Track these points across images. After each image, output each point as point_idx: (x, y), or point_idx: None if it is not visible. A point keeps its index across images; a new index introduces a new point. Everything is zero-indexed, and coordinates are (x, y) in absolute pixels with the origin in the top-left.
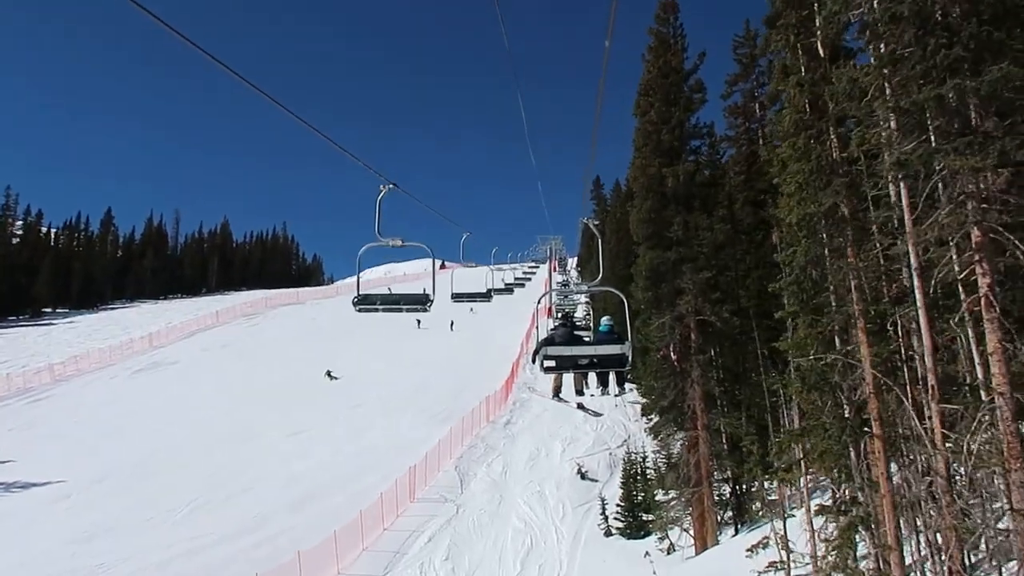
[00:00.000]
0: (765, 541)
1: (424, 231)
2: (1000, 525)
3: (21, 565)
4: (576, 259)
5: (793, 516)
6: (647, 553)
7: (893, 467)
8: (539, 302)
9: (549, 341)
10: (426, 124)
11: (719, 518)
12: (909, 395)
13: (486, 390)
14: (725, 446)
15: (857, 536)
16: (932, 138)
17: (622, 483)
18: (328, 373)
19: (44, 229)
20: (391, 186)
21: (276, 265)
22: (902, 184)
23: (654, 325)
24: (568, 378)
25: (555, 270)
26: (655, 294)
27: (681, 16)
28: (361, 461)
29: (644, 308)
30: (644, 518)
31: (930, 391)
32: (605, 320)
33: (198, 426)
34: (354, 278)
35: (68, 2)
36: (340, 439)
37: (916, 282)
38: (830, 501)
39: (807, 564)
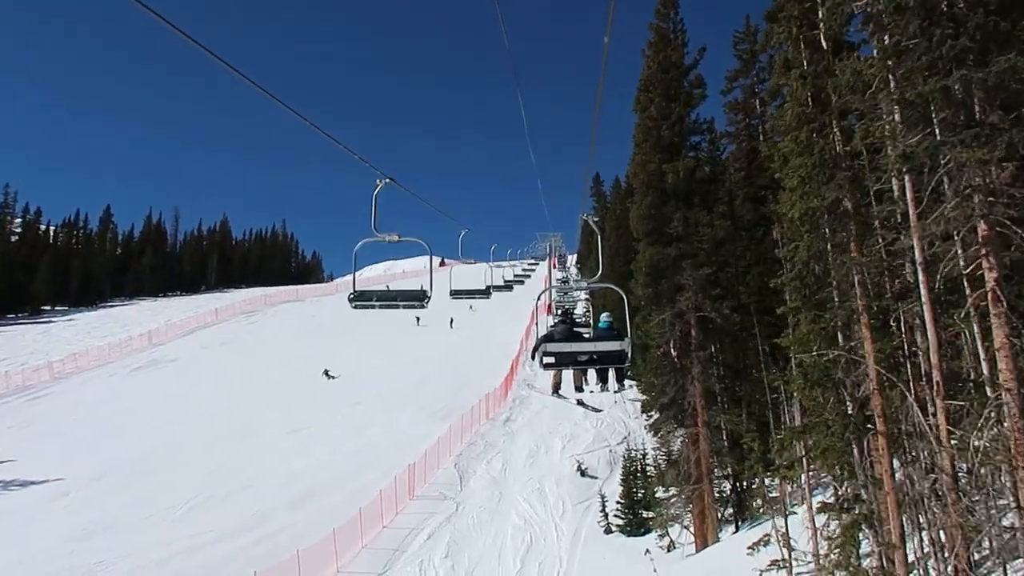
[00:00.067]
0: (766, 538)
1: (423, 229)
2: (1004, 522)
3: (20, 563)
4: (576, 256)
5: (795, 513)
6: (647, 550)
7: (895, 464)
8: (539, 299)
9: (549, 338)
10: (426, 124)
11: (719, 515)
12: (912, 392)
13: (486, 387)
14: (725, 443)
15: (860, 534)
16: (937, 131)
17: (622, 480)
18: (326, 372)
19: (43, 227)
20: (388, 180)
21: (275, 262)
22: (906, 178)
23: (654, 321)
24: (568, 375)
25: (555, 267)
26: (655, 290)
27: (681, 12)
28: (360, 459)
29: (644, 304)
30: (644, 515)
31: (935, 387)
32: (604, 317)
33: (197, 424)
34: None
35: (68, 2)
36: (340, 437)
37: (921, 277)
38: (832, 498)
39: (809, 562)
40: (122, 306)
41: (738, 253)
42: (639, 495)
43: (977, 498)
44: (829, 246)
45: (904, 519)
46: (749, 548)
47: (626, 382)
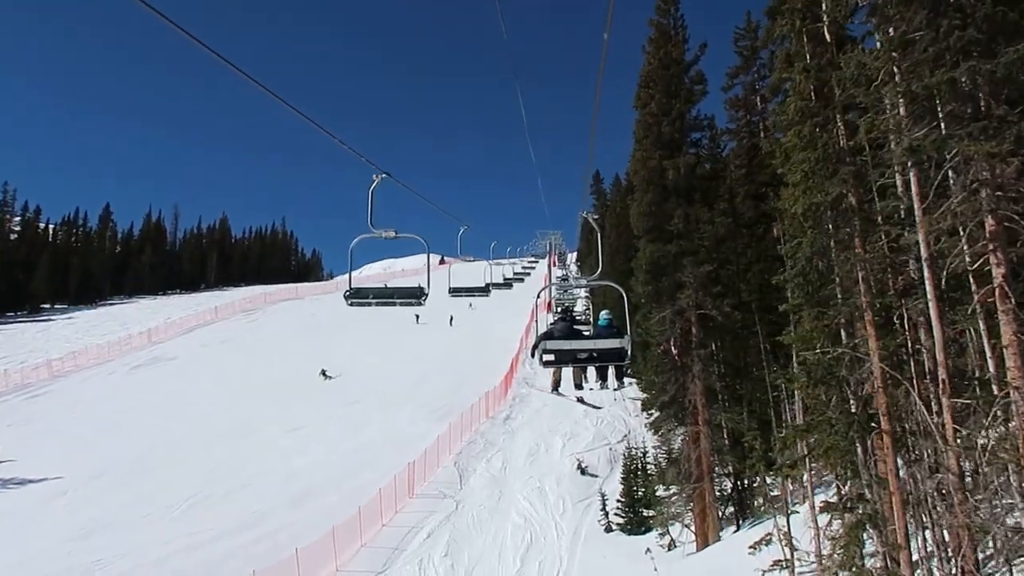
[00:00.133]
0: (768, 538)
1: (422, 227)
2: (1009, 521)
3: (19, 564)
4: (576, 254)
5: (796, 512)
6: (648, 549)
7: (899, 463)
8: (538, 296)
9: (548, 335)
10: (424, 123)
11: (720, 514)
12: (916, 390)
13: (485, 385)
14: (726, 441)
15: (864, 534)
16: (943, 125)
17: (622, 479)
18: (323, 372)
19: (42, 225)
20: (384, 176)
21: (275, 261)
22: (911, 173)
23: (655, 319)
24: (567, 372)
25: (555, 265)
26: (655, 288)
27: (682, 8)
28: (360, 457)
29: (644, 302)
30: (645, 514)
31: (940, 385)
32: (604, 314)
33: (197, 422)
34: (353, 272)
35: (68, 2)
36: (339, 435)
37: (926, 273)
38: (834, 497)
39: (812, 562)
40: (121, 304)
41: (739, 250)
42: (639, 493)
43: (980, 497)
44: (832, 242)
45: (908, 518)
46: (751, 547)
47: (626, 380)
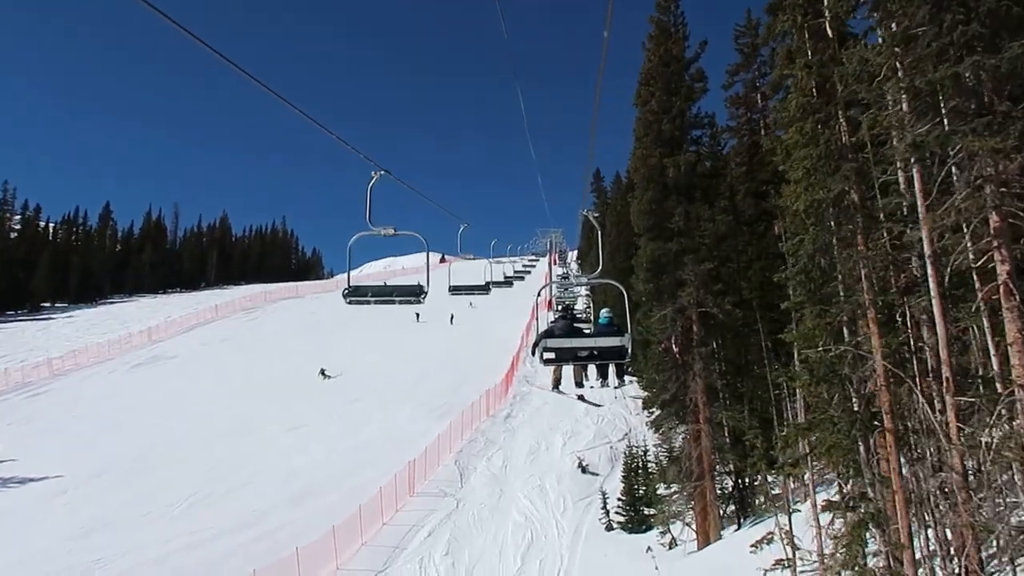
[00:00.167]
0: (769, 536)
1: (422, 225)
2: (1013, 520)
3: (20, 563)
4: (576, 252)
5: (798, 511)
6: (649, 548)
7: (900, 461)
8: (539, 294)
9: (549, 333)
10: (426, 124)
11: (721, 512)
12: (918, 388)
13: (486, 384)
14: (727, 439)
15: (867, 533)
16: (945, 121)
17: (623, 477)
18: (322, 372)
19: (42, 223)
20: (383, 172)
21: (275, 259)
22: (915, 169)
23: (655, 317)
24: (568, 370)
25: (555, 263)
26: (656, 286)
27: (682, 5)
28: (360, 455)
29: (645, 300)
30: (645, 512)
31: (944, 383)
32: (604, 312)
33: (197, 420)
34: (354, 271)
35: (68, 2)
36: (339, 433)
37: (930, 270)
38: (836, 496)
39: (814, 561)
40: (122, 303)
41: (740, 248)
42: (640, 492)
43: (983, 495)
44: (834, 239)
45: (910, 517)
46: (752, 546)
47: (626, 378)
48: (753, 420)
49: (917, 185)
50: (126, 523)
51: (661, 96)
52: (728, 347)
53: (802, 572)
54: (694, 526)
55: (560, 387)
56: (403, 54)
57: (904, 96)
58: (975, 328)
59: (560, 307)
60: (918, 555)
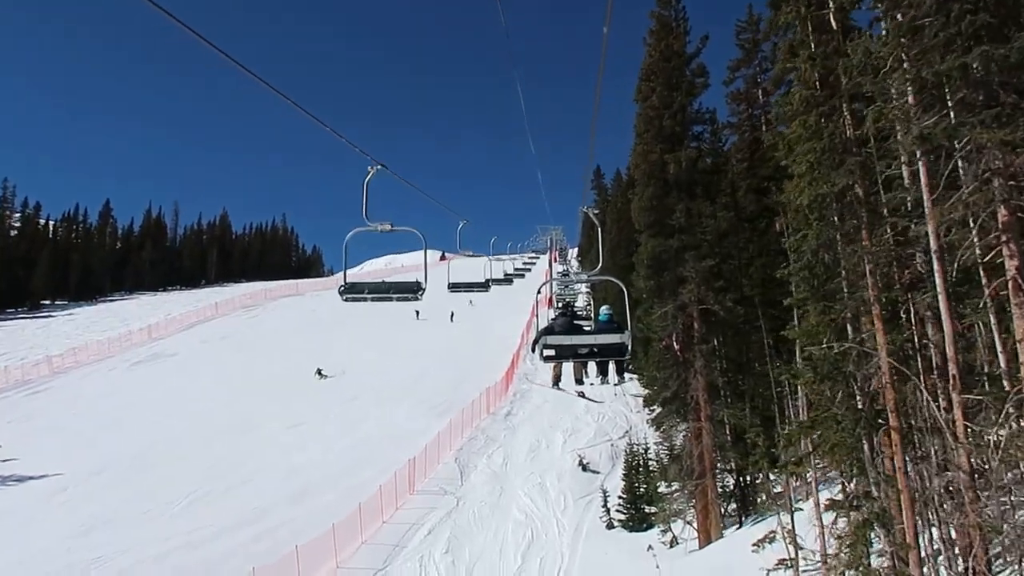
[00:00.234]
0: (771, 535)
1: (422, 223)
2: (1020, 520)
3: (20, 562)
4: (577, 249)
5: (800, 510)
6: (650, 546)
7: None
8: (539, 292)
9: (549, 330)
10: (426, 123)
11: (722, 510)
12: (923, 385)
13: (486, 381)
14: (729, 437)
15: (871, 533)
16: (952, 114)
17: (624, 475)
18: (318, 371)
19: (42, 221)
20: (379, 167)
21: (276, 257)
22: (920, 162)
23: (656, 314)
24: (568, 367)
25: (555, 260)
26: (657, 283)
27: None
28: (360, 453)
29: (646, 297)
30: (646, 510)
31: (951, 381)
32: (604, 309)
33: (197, 418)
34: (354, 269)
35: (69, 1)
36: (339, 431)
37: (936, 266)
38: (839, 495)
39: (817, 561)
40: (122, 300)
41: (741, 245)
42: (641, 490)
43: (987, 494)
44: (838, 235)
45: (915, 517)
46: (754, 545)
47: (627, 376)
48: (755, 418)
49: (923, 179)
50: (126, 521)
51: (662, 91)
52: (729, 344)
53: (805, 572)
54: (695, 524)
55: (560, 384)
56: (403, 53)
57: (910, 88)
58: (980, 325)
59: (560, 304)
60: (922, 554)
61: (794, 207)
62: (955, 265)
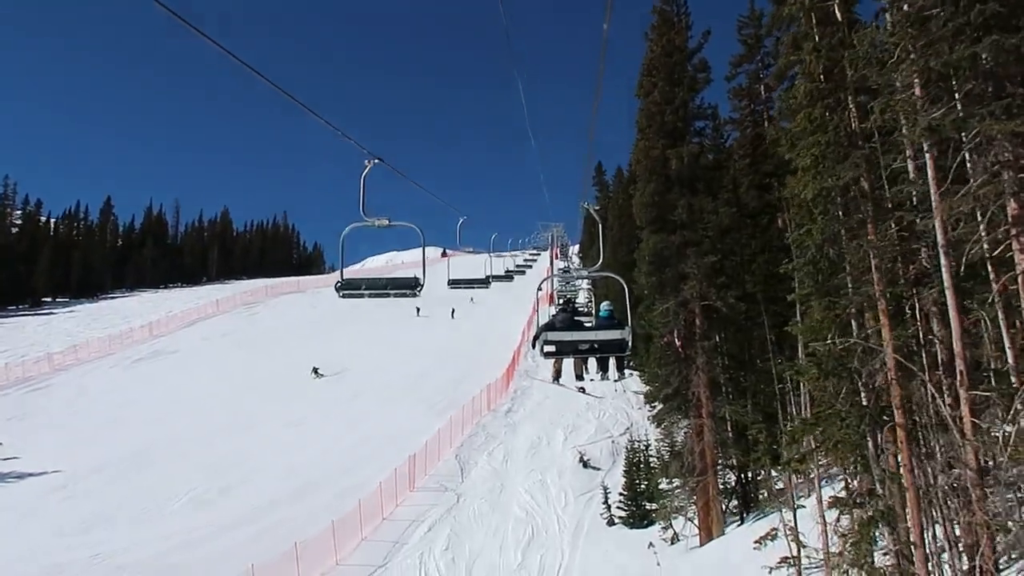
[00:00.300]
0: (773, 533)
1: (423, 220)
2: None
3: (19, 559)
4: (578, 246)
5: (803, 507)
6: (651, 543)
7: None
8: (540, 288)
9: (549, 326)
10: (426, 121)
11: (724, 507)
12: (928, 382)
13: (487, 378)
14: (730, 434)
15: (876, 531)
16: (959, 106)
17: (625, 471)
18: (315, 370)
19: (43, 218)
20: (376, 161)
21: (277, 254)
22: (928, 155)
23: (658, 311)
24: (568, 363)
25: (556, 257)
26: (659, 279)
27: None
28: (360, 451)
29: (648, 293)
30: (647, 507)
31: (958, 377)
32: (605, 305)
33: (197, 415)
34: (355, 266)
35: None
36: (339, 429)
37: (943, 260)
38: (842, 492)
39: (820, 559)
40: (123, 298)
41: (743, 241)
42: (642, 487)
43: (993, 490)
44: (843, 230)
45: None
46: (756, 542)
47: (628, 372)
48: (756, 414)
49: (930, 172)
50: (125, 519)
51: (664, 87)
52: (731, 341)
53: (807, 570)
54: (696, 521)
55: (560, 380)
56: (402, 50)
57: (917, 80)
58: (987, 320)
59: (562, 300)
60: (927, 551)
61: (797, 202)
62: (963, 259)
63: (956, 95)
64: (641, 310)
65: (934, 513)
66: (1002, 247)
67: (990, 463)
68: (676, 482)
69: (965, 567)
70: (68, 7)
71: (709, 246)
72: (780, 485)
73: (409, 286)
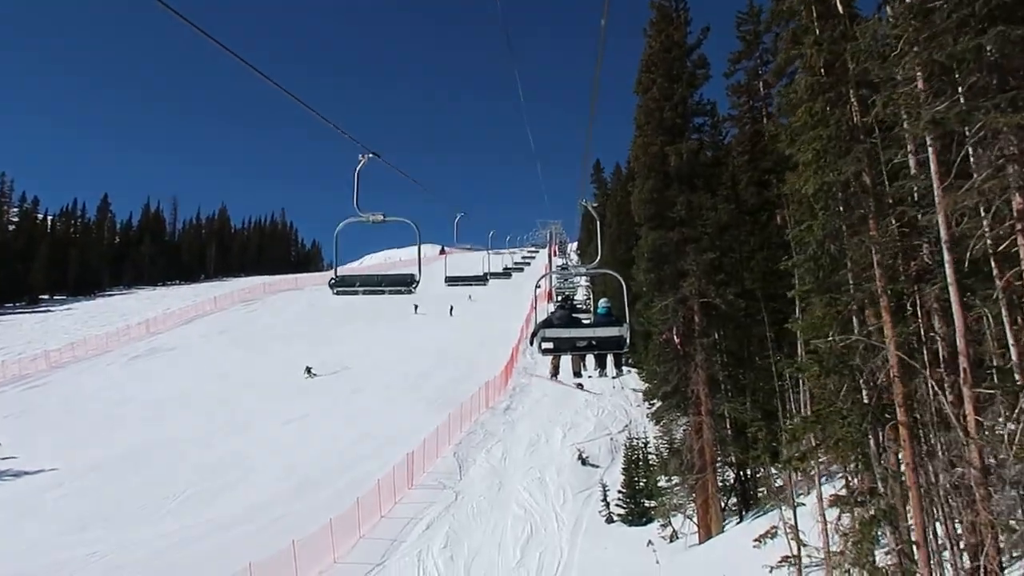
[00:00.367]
0: (773, 530)
1: (420, 216)
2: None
3: (15, 556)
4: (576, 243)
5: (803, 505)
6: (650, 541)
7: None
8: (538, 285)
9: (547, 323)
10: (426, 122)
11: (723, 504)
12: (930, 379)
13: (485, 375)
14: (729, 431)
15: (878, 530)
16: (962, 99)
17: (623, 469)
18: (308, 370)
19: (40, 216)
20: (371, 155)
21: (275, 251)
22: (931, 149)
23: (657, 308)
24: (566, 359)
25: (555, 254)
26: (658, 276)
27: None
28: (358, 448)
29: (646, 290)
30: (646, 505)
31: (962, 375)
32: (603, 302)
33: (195, 413)
34: (353, 264)
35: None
36: (338, 426)
37: (946, 256)
38: (843, 490)
39: (820, 558)
40: (120, 295)
41: (742, 238)
42: (641, 484)
43: (994, 488)
44: (844, 225)
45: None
46: (756, 540)
47: (626, 369)
48: (756, 412)
49: (933, 167)
50: (122, 517)
51: (663, 83)
52: (730, 338)
53: (807, 568)
54: (695, 519)
55: (558, 376)
56: (402, 49)
57: (920, 73)
58: (989, 317)
59: (560, 298)
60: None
61: (798, 198)
62: (967, 255)
63: (959, 88)
64: (640, 307)
65: (935, 512)
66: (1007, 242)
67: (992, 461)
68: (675, 479)
69: (967, 566)
70: (67, 5)
71: (708, 243)
72: (779, 483)
73: (404, 283)
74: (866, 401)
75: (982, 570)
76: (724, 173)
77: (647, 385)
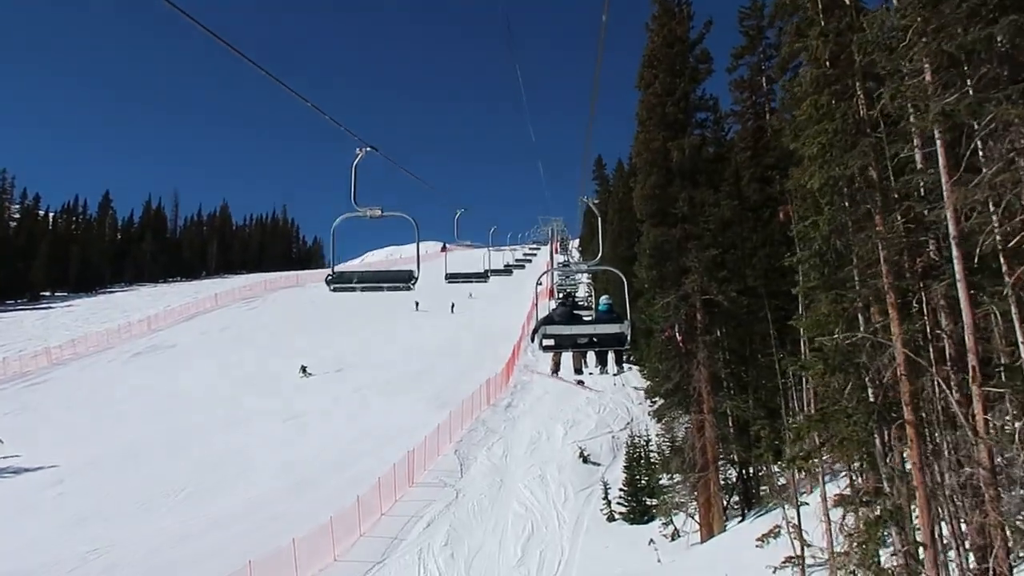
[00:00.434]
0: (776, 529)
1: (419, 213)
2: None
3: (15, 553)
4: (578, 240)
5: (806, 504)
6: (651, 540)
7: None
8: (540, 282)
9: (548, 320)
10: (429, 125)
11: (725, 503)
12: (936, 377)
13: (487, 373)
14: (732, 429)
15: (884, 531)
16: (971, 91)
17: (625, 467)
18: (303, 368)
19: (41, 212)
20: (368, 150)
21: (276, 248)
22: (939, 143)
23: (658, 305)
24: (567, 356)
25: (556, 251)
26: (660, 273)
27: None
28: (359, 446)
29: (648, 287)
30: (648, 503)
31: (971, 373)
32: (604, 299)
33: (195, 410)
34: (354, 261)
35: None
36: (338, 423)
37: (955, 252)
38: (847, 489)
39: (824, 558)
40: (122, 292)
41: (744, 235)
42: (642, 482)
43: (1003, 488)
44: (850, 221)
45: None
46: (758, 540)
47: (627, 366)
48: (758, 410)
49: (941, 160)
50: (122, 513)
51: (665, 78)
52: (732, 335)
53: (811, 568)
54: (697, 518)
55: (559, 373)
56: (402, 47)
57: (928, 65)
58: (997, 314)
59: (561, 294)
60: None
61: (802, 193)
62: (977, 251)
63: (968, 80)
64: (641, 304)
65: (940, 511)
66: (1018, 238)
67: (1000, 461)
68: (677, 478)
69: (973, 567)
70: (67, 5)
71: (710, 239)
72: (782, 481)
73: (403, 279)
74: (872, 399)
75: (991, 572)
76: (727, 169)
77: (649, 383)
